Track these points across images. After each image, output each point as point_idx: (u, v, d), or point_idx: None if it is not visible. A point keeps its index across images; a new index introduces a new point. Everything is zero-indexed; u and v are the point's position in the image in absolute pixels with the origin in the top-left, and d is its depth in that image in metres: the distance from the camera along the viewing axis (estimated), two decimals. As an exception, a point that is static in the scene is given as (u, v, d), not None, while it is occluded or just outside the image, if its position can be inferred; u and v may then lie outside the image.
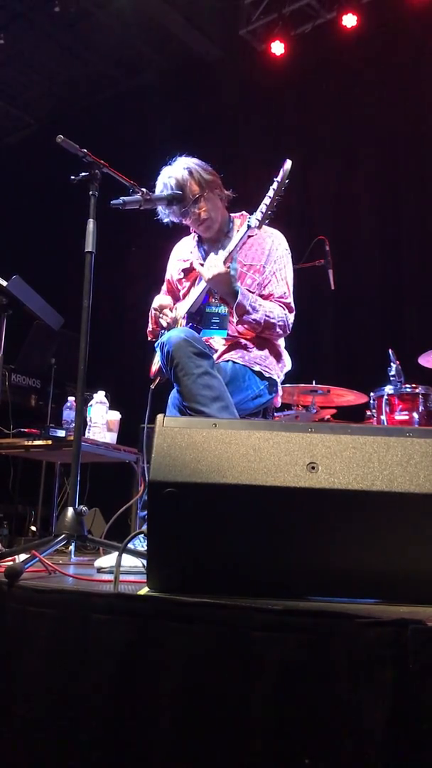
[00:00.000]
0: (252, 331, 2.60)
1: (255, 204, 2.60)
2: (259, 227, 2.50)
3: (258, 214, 2.48)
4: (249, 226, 2.51)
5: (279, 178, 2.44)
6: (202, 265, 2.61)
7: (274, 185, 2.45)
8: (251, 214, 2.54)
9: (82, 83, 7.15)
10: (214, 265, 2.48)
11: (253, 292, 2.61)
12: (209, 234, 2.74)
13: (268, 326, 2.57)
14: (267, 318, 2.55)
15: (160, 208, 2.67)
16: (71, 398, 4.11)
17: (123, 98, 7.08)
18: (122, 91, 7.10)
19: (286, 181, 2.44)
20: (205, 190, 2.64)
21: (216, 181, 2.70)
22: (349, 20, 5.57)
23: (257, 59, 6.15)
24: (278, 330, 2.60)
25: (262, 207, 2.47)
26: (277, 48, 5.93)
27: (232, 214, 2.80)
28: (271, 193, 2.45)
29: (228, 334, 2.62)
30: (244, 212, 2.75)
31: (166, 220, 2.72)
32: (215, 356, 2.58)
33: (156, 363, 2.68)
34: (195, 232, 2.83)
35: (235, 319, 2.55)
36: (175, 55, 6.60)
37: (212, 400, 2.24)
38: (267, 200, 2.46)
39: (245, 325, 2.57)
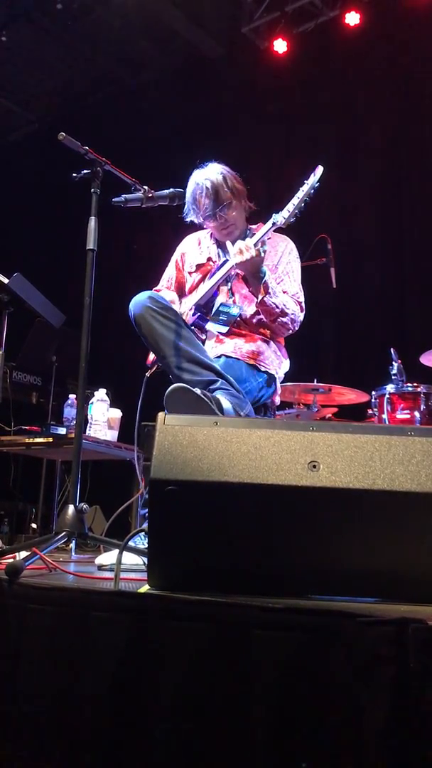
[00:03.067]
0: (268, 315, 2.62)
1: (254, 201, 2.60)
2: (285, 224, 2.56)
3: (285, 213, 2.55)
4: (274, 223, 2.57)
5: (309, 181, 2.54)
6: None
7: (305, 187, 2.54)
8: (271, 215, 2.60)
9: (85, 81, 7.14)
10: (247, 247, 2.51)
11: None
12: (229, 239, 2.77)
13: (283, 314, 2.62)
14: (284, 307, 2.62)
15: (186, 207, 2.73)
16: (72, 396, 4.11)
17: (125, 96, 7.07)
18: (124, 88, 7.09)
19: (316, 184, 2.54)
20: (235, 198, 2.71)
21: (244, 192, 2.77)
22: (352, 18, 5.56)
23: (260, 57, 6.14)
24: (289, 323, 2.65)
25: (290, 206, 2.55)
26: (280, 46, 5.92)
27: (251, 226, 2.85)
28: (300, 194, 2.54)
29: (230, 330, 2.66)
30: (261, 223, 2.78)
31: (189, 219, 2.77)
32: (212, 341, 2.63)
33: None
34: (214, 236, 2.87)
35: (258, 300, 2.56)
36: (177, 53, 6.59)
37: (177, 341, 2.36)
38: (296, 200, 2.54)
39: (264, 309, 2.60)
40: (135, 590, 1.38)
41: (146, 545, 1.48)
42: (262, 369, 2.60)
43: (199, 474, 1.32)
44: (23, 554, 1.81)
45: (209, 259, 2.82)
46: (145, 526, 1.93)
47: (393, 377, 3.81)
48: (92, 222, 2.18)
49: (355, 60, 5.59)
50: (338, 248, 4.17)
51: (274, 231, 2.79)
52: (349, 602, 1.32)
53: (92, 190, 2.21)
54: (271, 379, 2.65)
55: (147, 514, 1.46)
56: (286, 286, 2.72)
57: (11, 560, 1.63)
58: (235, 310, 2.63)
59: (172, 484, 1.32)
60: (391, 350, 3.84)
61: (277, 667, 1.02)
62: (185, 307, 2.71)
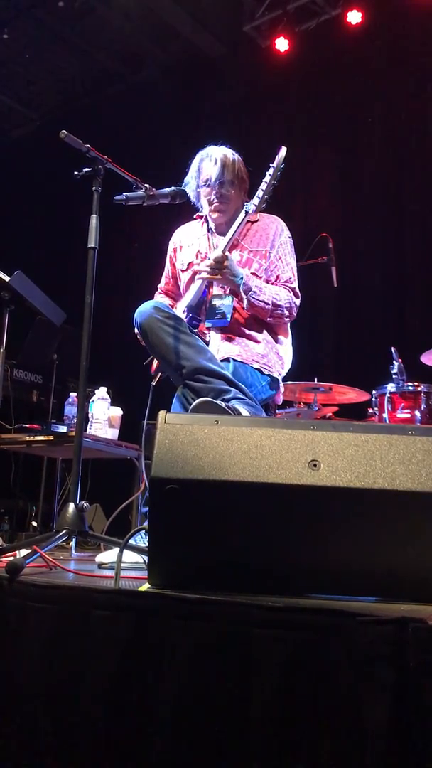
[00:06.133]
0: (262, 314, 2.60)
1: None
2: (256, 212, 2.64)
3: (255, 200, 2.62)
4: (246, 212, 2.62)
5: (275, 165, 2.59)
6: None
7: (270, 171, 2.60)
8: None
9: (86, 79, 7.14)
10: (215, 263, 2.50)
11: (260, 277, 2.64)
12: (217, 219, 2.75)
13: (276, 307, 2.60)
14: (275, 299, 2.59)
15: (188, 176, 2.74)
16: (73, 394, 4.11)
17: (126, 94, 7.06)
18: (126, 86, 7.09)
19: (282, 166, 2.60)
20: (237, 182, 2.72)
21: (246, 185, 2.77)
22: (354, 17, 5.55)
23: (261, 55, 6.13)
24: (285, 312, 2.63)
25: (259, 193, 2.61)
26: (282, 44, 5.91)
27: None
28: (267, 179, 2.61)
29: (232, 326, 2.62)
30: None
31: (187, 189, 2.69)
32: (218, 340, 2.60)
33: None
34: (204, 215, 2.83)
35: (245, 304, 2.55)
36: (179, 51, 6.58)
37: (197, 351, 2.35)
38: (264, 186, 2.61)
39: (255, 309, 2.58)
40: (135, 589, 1.38)
41: (146, 543, 1.48)
42: (266, 372, 2.59)
43: (200, 472, 1.32)
44: (23, 552, 1.81)
45: (198, 254, 2.77)
46: (145, 524, 1.94)
47: (393, 376, 3.81)
48: (93, 220, 2.18)
49: (356, 58, 5.59)
50: (339, 247, 4.18)
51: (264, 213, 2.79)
52: (349, 601, 1.32)
53: (93, 188, 2.21)
54: (274, 381, 2.64)
55: (147, 513, 1.46)
56: (279, 272, 2.69)
57: (11, 558, 1.63)
58: (228, 301, 2.58)
59: (173, 482, 1.31)
60: (392, 349, 3.84)
61: (277, 665, 1.02)
62: (178, 311, 2.67)
